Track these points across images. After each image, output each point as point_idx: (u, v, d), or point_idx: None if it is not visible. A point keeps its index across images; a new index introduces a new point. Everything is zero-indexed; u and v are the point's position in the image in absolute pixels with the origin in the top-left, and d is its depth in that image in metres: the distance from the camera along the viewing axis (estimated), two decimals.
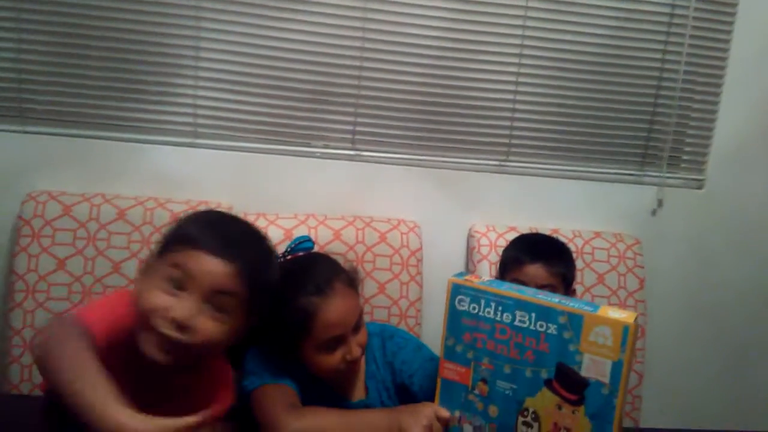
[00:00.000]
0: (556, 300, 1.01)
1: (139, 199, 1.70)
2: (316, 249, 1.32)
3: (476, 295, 1.06)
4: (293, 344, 1.15)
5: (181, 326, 0.87)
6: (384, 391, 1.25)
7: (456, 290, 1.08)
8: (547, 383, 1.00)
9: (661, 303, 1.87)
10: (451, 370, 1.10)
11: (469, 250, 1.89)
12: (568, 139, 1.94)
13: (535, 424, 1.02)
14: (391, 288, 1.76)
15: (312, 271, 1.19)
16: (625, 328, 0.93)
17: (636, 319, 0.96)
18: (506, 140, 1.92)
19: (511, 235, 1.72)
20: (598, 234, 1.91)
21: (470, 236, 1.89)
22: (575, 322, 0.97)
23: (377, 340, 1.29)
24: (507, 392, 1.04)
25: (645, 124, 1.96)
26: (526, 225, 1.88)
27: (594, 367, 0.96)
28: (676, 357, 1.99)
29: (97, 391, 0.76)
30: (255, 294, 0.97)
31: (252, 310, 0.99)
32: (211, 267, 0.90)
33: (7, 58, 1.69)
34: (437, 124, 1.89)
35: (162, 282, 0.90)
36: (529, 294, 1.03)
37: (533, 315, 1.00)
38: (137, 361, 0.92)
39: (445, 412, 1.10)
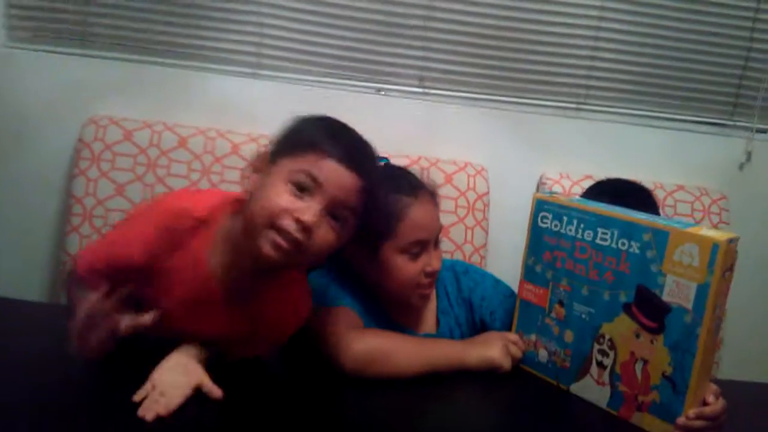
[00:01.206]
0: (643, 216, 1.01)
1: (200, 128, 1.76)
2: None
3: (560, 211, 1.08)
4: (375, 247, 1.16)
5: (304, 228, 0.93)
6: (456, 328, 1.27)
7: (540, 206, 1.11)
8: (626, 308, 1.01)
9: (746, 260, 1.82)
10: (530, 291, 1.13)
11: None
12: (652, 82, 1.91)
13: (611, 353, 1.04)
14: (456, 232, 1.79)
15: (402, 174, 1.24)
16: (715, 246, 0.92)
17: (733, 240, 0.94)
18: (584, 81, 1.90)
19: (586, 184, 1.71)
20: (680, 187, 1.89)
21: (541, 183, 1.90)
22: (660, 239, 0.97)
23: (449, 275, 1.31)
24: (583, 317, 1.06)
25: (737, 69, 1.92)
26: (603, 174, 1.84)
27: (677, 290, 0.96)
28: (759, 316, 1.96)
29: None
30: (368, 209, 1.03)
31: (360, 225, 1.04)
32: (344, 179, 0.96)
33: None
34: (510, 62, 1.88)
35: (286, 184, 0.96)
36: (615, 210, 1.04)
37: (615, 232, 1.02)
38: (235, 256, 1.00)
39: (515, 337, 1.14)
